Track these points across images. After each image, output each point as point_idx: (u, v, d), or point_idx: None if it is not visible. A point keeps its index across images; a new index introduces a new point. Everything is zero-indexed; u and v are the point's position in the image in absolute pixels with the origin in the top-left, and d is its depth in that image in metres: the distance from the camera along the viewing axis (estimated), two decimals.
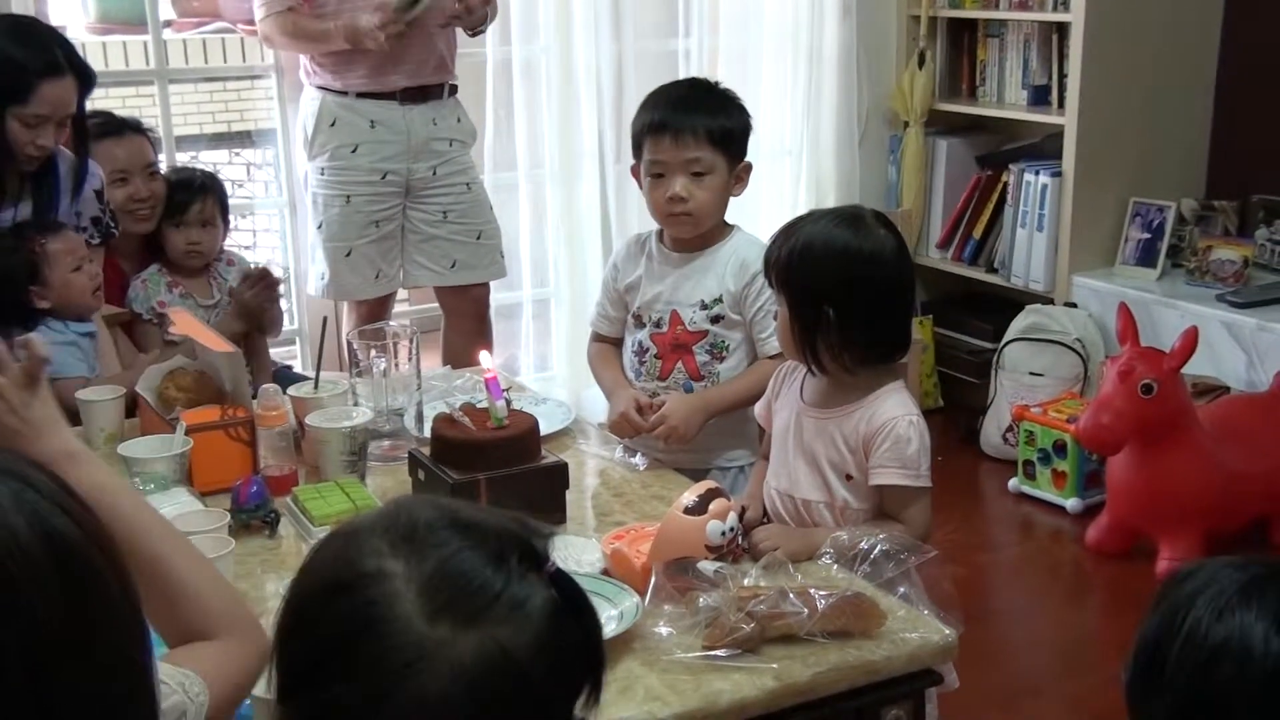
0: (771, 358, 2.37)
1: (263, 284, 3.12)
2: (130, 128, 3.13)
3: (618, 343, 2.58)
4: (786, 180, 4.48)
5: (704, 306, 2.44)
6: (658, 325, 2.48)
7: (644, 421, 2.35)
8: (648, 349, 2.49)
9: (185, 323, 2.56)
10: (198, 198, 3.12)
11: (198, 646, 1.29)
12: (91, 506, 0.96)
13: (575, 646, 1.01)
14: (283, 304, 3.93)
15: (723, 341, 2.45)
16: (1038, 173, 4.30)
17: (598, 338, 2.61)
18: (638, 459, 2.30)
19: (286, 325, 4.05)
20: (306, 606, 1.00)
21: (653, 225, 2.55)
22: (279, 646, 1.00)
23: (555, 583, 1.00)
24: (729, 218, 2.50)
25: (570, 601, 1.01)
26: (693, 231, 2.45)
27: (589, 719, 1.03)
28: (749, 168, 2.46)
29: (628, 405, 2.38)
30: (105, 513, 0.99)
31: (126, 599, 0.94)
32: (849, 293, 1.99)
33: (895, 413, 2.00)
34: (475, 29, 3.54)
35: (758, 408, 2.26)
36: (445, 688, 0.94)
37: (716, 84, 2.52)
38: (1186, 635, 1.09)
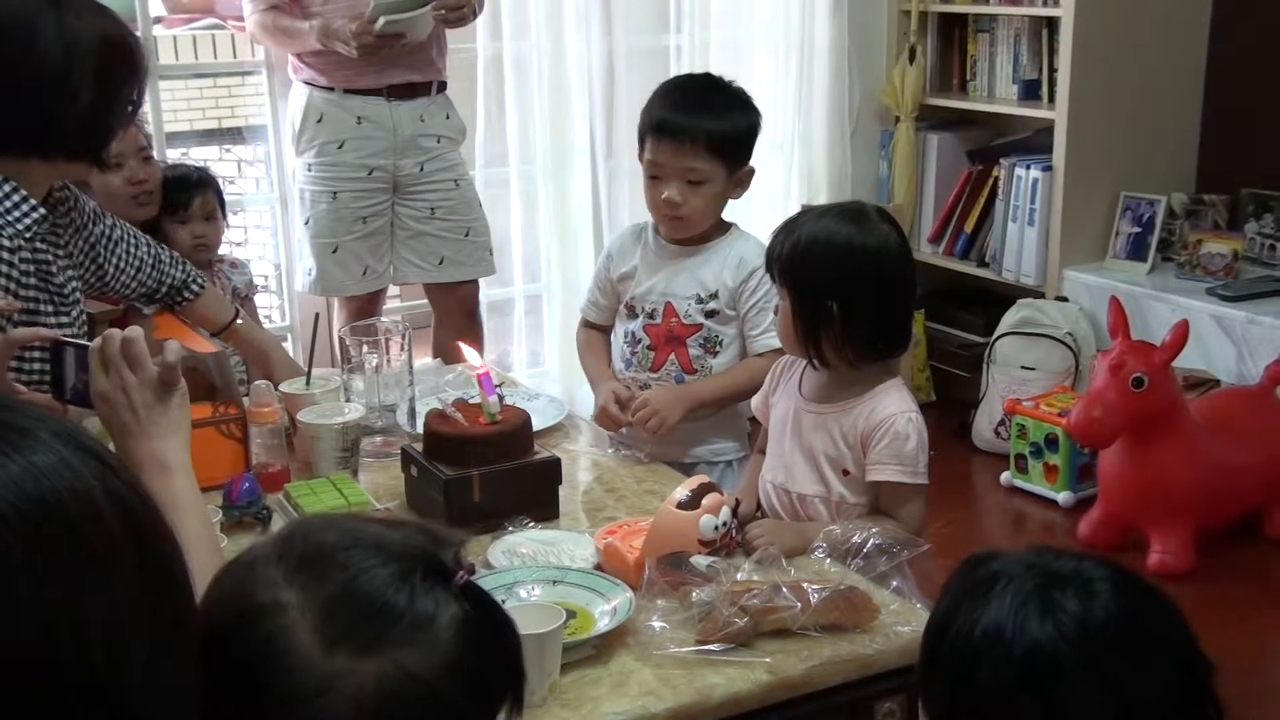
0: (761, 355, 2.38)
1: None
2: None
3: (607, 330, 2.59)
4: (778, 175, 4.47)
5: (699, 300, 2.44)
6: (651, 316, 2.48)
7: (623, 415, 2.35)
8: (640, 339, 2.49)
9: (168, 325, 2.54)
10: (197, 192, 3.11)
11: None
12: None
13: (491, 659, 0.97)
14: (274, 300, 3.87)
15: (716, 336, 2.45)
16: (1028, 167, 4.30)
17: (587, 324, 2.61)
18: (645, 454, 2.29)
19: (278, 321, 4.04)
20: (207, 641, 0.95)
21: (648, 217, 2.55)
22: None
23: (466, 595, 0.97)
24: (725, 214, 2.49)
25: (483, 614, 0.97)
26: (684, 233, 2.44)
27: None
28: (751, 172, 2.44)
29: (607, 399, 2.38)
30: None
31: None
32: (853, 288, 2.00)
33: (894, 409, 2.01)
34: (454, 18, 3.47)
35: (755, 401, 2.26)
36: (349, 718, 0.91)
37: (730, 83, 2.46)
38: (956, 628, 1.08)
